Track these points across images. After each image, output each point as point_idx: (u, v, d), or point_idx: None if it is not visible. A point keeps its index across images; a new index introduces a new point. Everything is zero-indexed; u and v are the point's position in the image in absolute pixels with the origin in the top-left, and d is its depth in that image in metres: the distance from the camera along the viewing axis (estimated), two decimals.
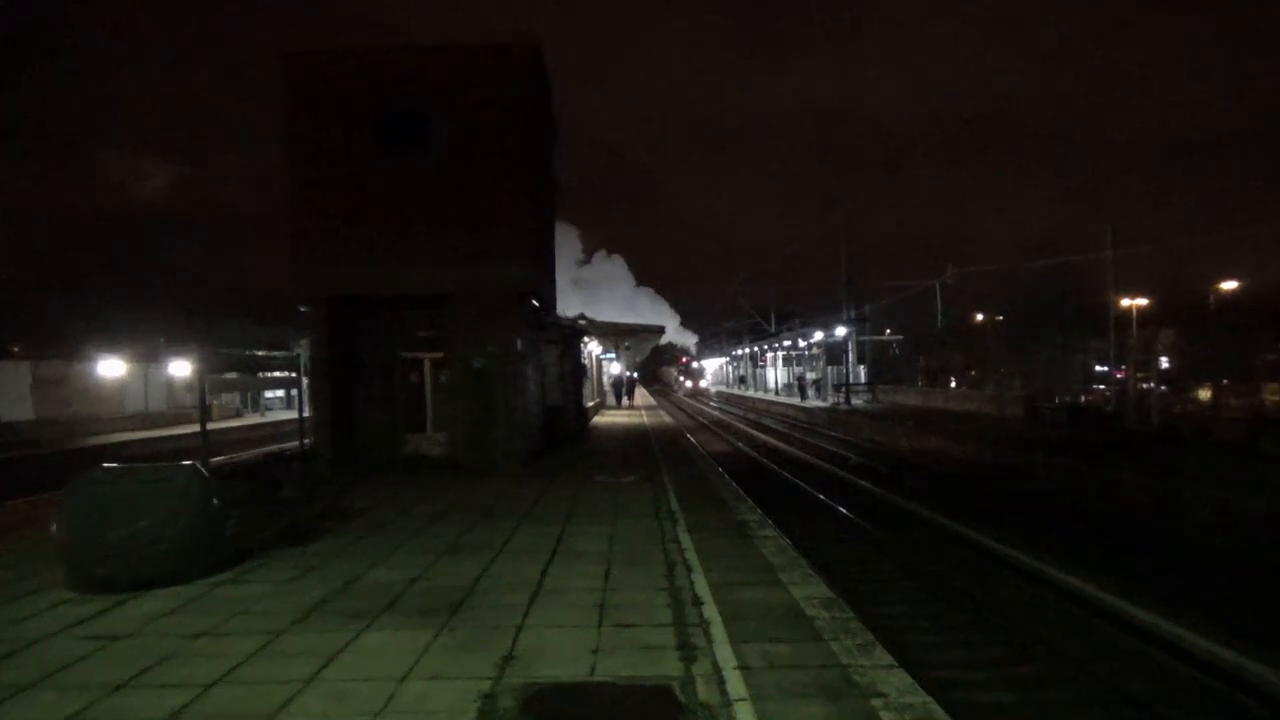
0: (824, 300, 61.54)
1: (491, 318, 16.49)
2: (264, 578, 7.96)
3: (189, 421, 32.19)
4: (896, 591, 10.75)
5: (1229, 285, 38.57)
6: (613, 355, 48.75)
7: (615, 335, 46.54)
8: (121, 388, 33.13)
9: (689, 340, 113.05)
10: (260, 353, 38.57)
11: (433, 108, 16.59)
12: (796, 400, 51.87)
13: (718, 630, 6.05)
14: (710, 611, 6.52)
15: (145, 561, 7.49)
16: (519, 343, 16.99)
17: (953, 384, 55.20)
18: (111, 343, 31.72)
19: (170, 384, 36.37)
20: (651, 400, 58.76)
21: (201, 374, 16.15)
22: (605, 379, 49.15)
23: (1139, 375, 31.46)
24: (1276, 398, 33.68)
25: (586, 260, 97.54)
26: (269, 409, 44.36)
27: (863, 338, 52.31)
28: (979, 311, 58.95)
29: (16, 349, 32.26)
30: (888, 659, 5.47)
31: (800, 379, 56.47)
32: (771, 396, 61.67)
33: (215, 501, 8.08)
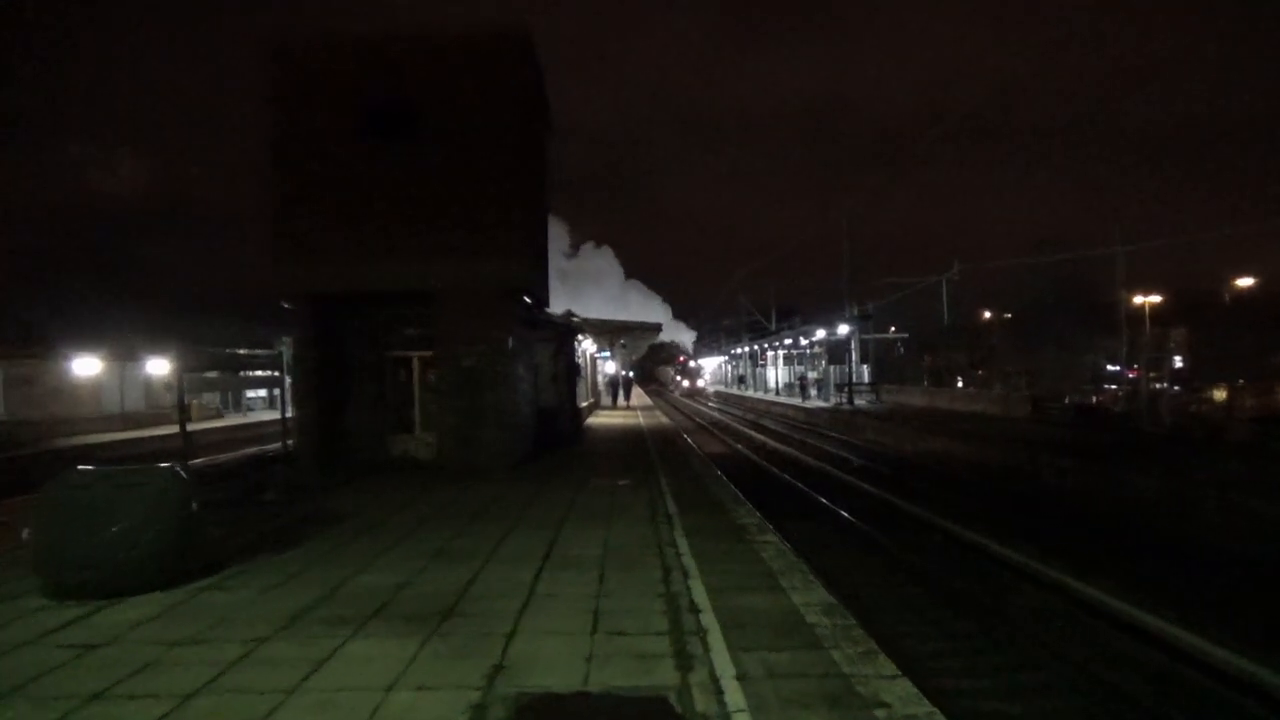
0: (826, 297, 61.77)
1: (482, 315, 16.48)
2: (246, 584, 7.96)
3: (168, 422, 32.08)
4: (900, 598, 10.76)
5: (1244, 281, 38.70)
6: (608, 354, 48.81)
7: (610, 333, 46.56)
8: (98, 387, 33.04)
9: (685, 338, 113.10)
10: (242, 351, 38.50)
11: (421, 98, 16.57)
12: (797, 400, 51.92)
13: (715, 638, 6.06)
14: (708, 618, 6.52)
15: (122, 567, 7.48)
16: (511, 341, 16.98)
17: (959, 384, 55.32)
18: (87, 340, 31.61)
19: (148, 383, 36.29)
20: (648, 400, 58.76)
21: (180, 373, 16.11)
22: (600, 378, 49.16)
23: (1151, 375, 31.55)
24: None
25: (573, 253, 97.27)
26: (251, 409, 44.28)
27: (866, 336, 52.43)
28: (986, 309, 59.14)
29: None
30: (891, 668, 5.48)
31: (801, 378, 56.51)
32: (772, 397, 61.71)
33: (195, 505, 8.06)
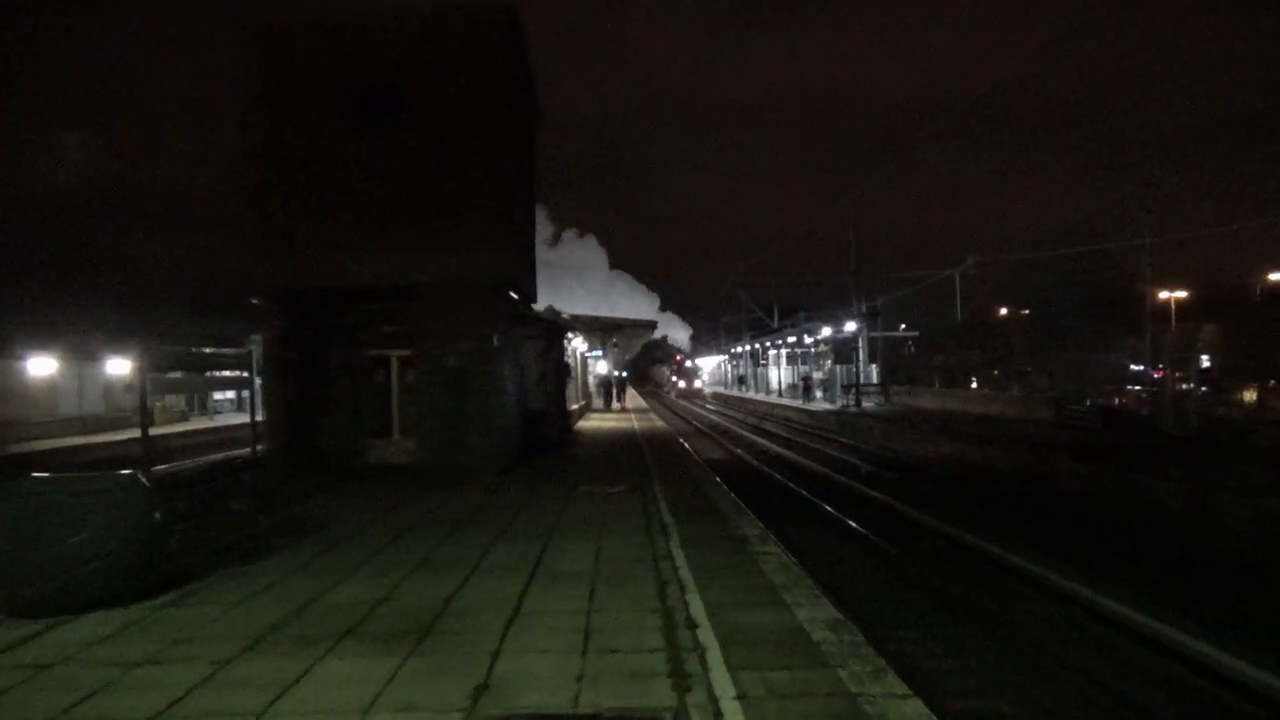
0: (830, 293, 61.65)
1: (466, 311, 16.46)
2: (211, 599, 7.92)
3: (129, 426, 31.97)
4: (911, 612, 10.75)
5: (1277, 276, 38.78)
6: (599, 353, 48.78)
7: (602, 331, 46.50)
8: (53, 388, 32.92)
9: (681, 336, 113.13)
10: (208, 349, 38.32)
11: (404, 81, 16.55)
12: (800, 402, 51.98)
13: (714, 656, 6.05)
14: (706, 635, 6.51)
15: (79, 581, 7.44)
16: (496, 339, 16.95)
17: (973, 384, 55.40)
18: (41, 338, 31.45)
19: (108, 384, 36.17)
20: (642, 403, 58.82)
21: (143, 373, 16.05)
22: (591, 379, 49.15)
23: (1177, 375, 31.60)
24: None
25: (554, 242, 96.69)
26: (218, 412, 44.20)
27: (874, 334, 52.40)
28: (1001, 305, 59.21)
29: None
30: (901, 687, 5.48)
31: (806, 379, 56.57)
32: (774, 399, 61.78)
33: (157, 515, 8.03)
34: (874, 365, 53.70)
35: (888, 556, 13.72)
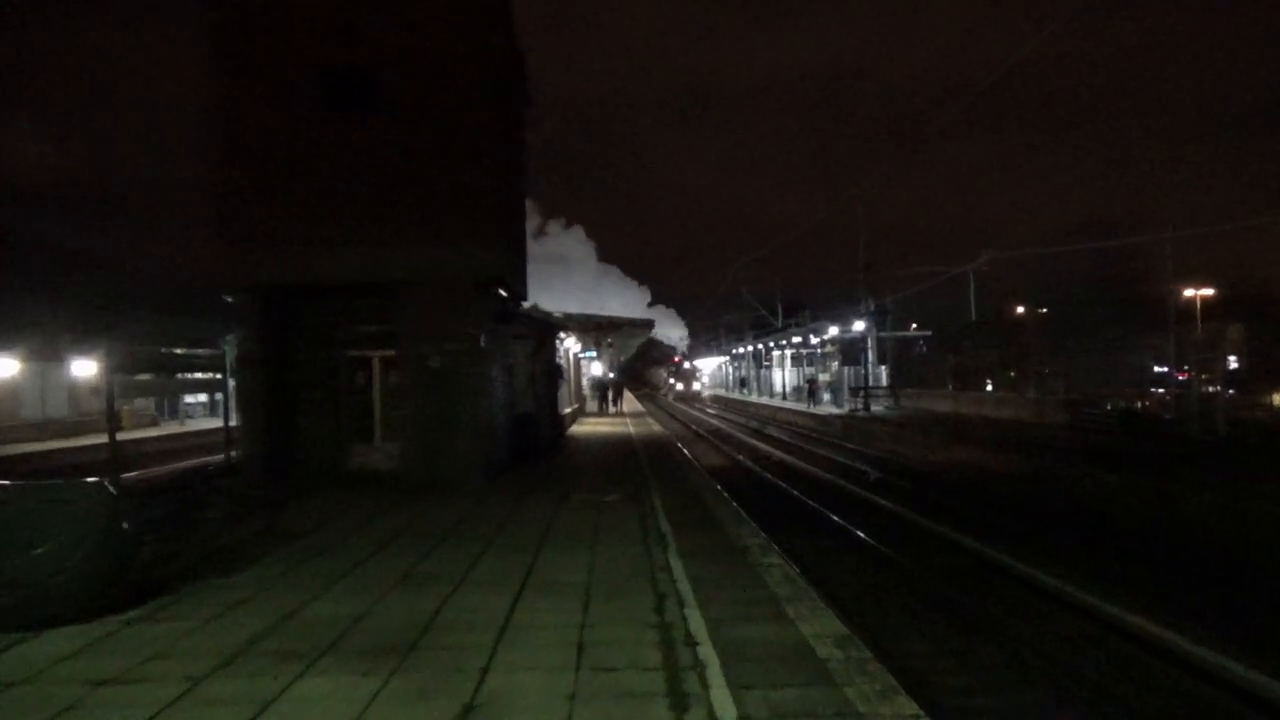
0: (837, 291, 61.74)
1: (451, 309, 16.45)
2: (184, 613, 7.92)
3: (96, 430, 31.94)
4: (922, 627, 10.78)
5: None
6: (593, 353, 48.83)
7: (595, 330, 46.58)
8: (15, 391, 32.86)
9: (677, 335, 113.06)
10: (179, 350, 38.28)
11: (382, 61, 16.50)
12: (806, 406, 52.01)
13: (715, 673, 6.06)
14: (706, 651, 6.53)
15: (44, 595, 7.43)
16: (483, 339, 16.96)
17: (988, 386, 55.49)
18: (2, 338, 31.42)
19: (73, 387, 36.11)
20: (639, 406, 58.80)
21: (110, 375, 16.03)
22: (584, 381, 49.17)
23: (1203, 377, 31.68)
24: None
25: (540, 233, 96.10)
26: (190, 416, 44.12)
27: (883, 333, 52.50)
28: (1018, 303, 59.29)
29: None
30: (913, 707, 5.49)
31: (811, 381, 56.59)
32: (778, 402, 61.81)
33: (126, 524, 8.02)
34: (883, 367, 53.78)
35: (898, 568, 13.75)
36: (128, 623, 7.63)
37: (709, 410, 72.00)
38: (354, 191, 16.32)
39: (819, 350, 59.12)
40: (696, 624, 7.24)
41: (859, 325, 48.28)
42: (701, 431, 45.43)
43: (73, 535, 7.57)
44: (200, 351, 37.95)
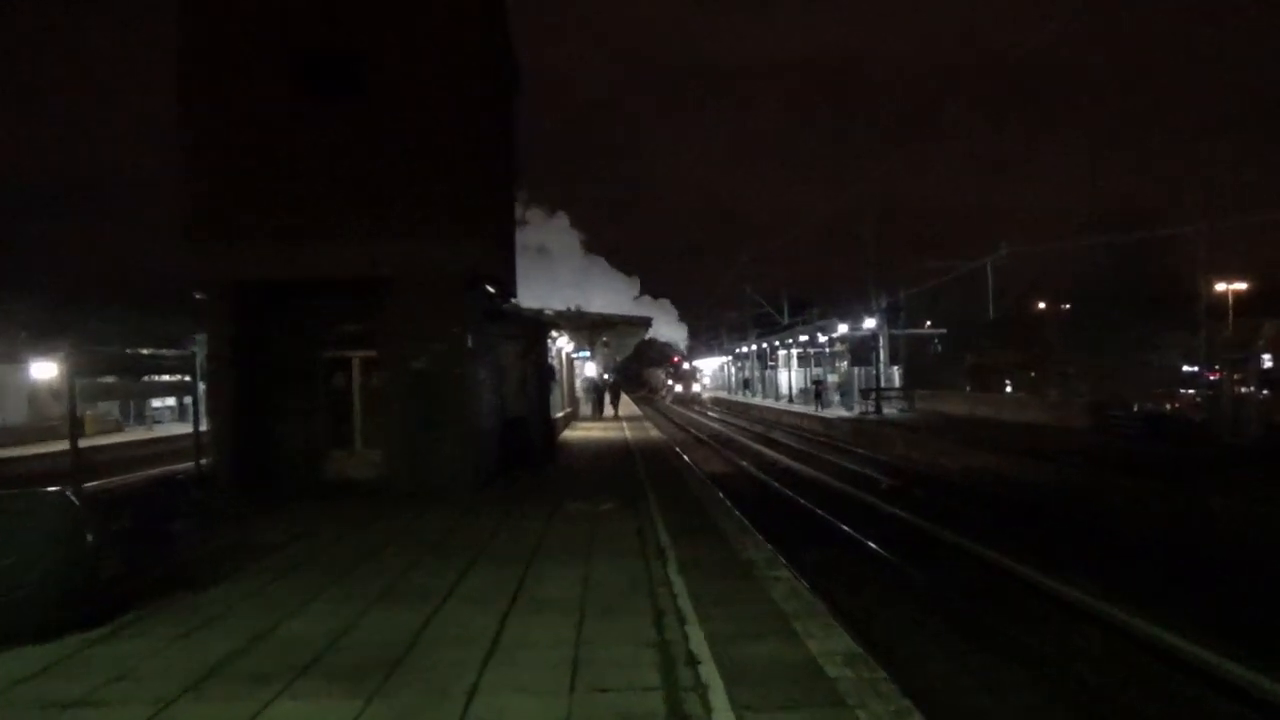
0: (846, 287, 61.78)
1: (436, 307, 16.44)
2: (150, 631, 7.91)
3: (57, 437, 31.89)
4: (938, 645, 10.77)
5: None
6: (587, 353, 48.72)
7: (590, 329, 46.44)
8: None
9: (673, 333, 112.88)
10: (146, 351, 38.21)
11: (363, 46, 16.49)
12: (813, 409, 52.01)
13: (718, 695, 6.06)
14: (708, 671, 6.52)
15: (2, 612, 7.41)
16: (470, 339, 16.95)
17: (1007, 388, 55.55)
18: None
19: (33, 391, 36.06)
20: (635, 410, 58.82)
21: (72, 378, 15.94)
22: (578, 382, 49.11)
23: (1236, 377, 31.70)
24: None
25: (520, 221, 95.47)
26: (158, 421, 44.09)
27: (895, 332, 52.51)
28: (1039, 299, 59.35)
29: None
30: None
31: (818, 383, 56.57)
32: (783, 404, 61.83)
33: (90, 537, 8.01)
34: (895, 367, 53.79)
35: (912, 581, 13.75)
36: (92, 642, 7.61)
37: (710, 413, 72.02)
38: (332, 182, 16.31)
39: (827, 350, 59.13)
40: (698, 642, 7.24)
41: (870, 323, 48.31)
42: (702, 435, 45.45)
43: (32, 549, 7.56)
44: (168, 353, 37.86)
